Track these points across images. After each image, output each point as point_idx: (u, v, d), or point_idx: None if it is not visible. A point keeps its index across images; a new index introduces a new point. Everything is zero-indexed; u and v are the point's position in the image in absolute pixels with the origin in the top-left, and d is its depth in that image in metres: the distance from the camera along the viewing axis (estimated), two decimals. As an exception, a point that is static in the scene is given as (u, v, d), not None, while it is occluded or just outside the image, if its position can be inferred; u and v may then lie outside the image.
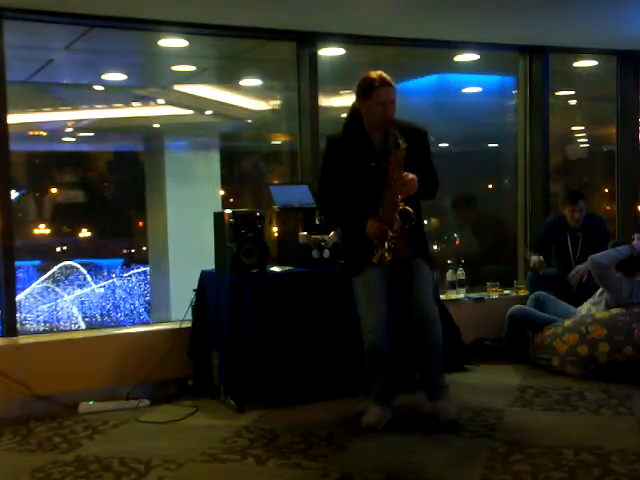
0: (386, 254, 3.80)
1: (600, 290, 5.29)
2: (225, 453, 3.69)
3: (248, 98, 8.19)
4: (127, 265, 12.32)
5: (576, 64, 6.91)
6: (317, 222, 4.71)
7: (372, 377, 4.01)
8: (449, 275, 5.79)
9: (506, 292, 6.07)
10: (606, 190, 8.40)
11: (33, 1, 4.54)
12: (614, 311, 5.03)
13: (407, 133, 3.81)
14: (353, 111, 4.00)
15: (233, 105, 8.32)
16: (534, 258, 5.73)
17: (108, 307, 11.46)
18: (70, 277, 11.76)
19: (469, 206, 7.62)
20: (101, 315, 11.32)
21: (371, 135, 3.92)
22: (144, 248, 10.87)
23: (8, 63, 4.63)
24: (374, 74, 3.87)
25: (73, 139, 10.22)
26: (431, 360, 4.02)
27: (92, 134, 10.24)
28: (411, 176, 3.78)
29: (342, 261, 4.47)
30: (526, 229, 6.43)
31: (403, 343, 4.40)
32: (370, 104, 3.85)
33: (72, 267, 11.88)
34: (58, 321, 10.96)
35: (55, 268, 11.72)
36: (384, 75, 3.86)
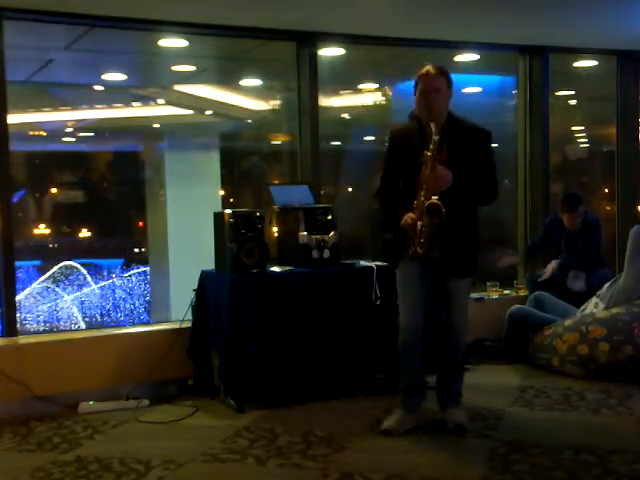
0: (417, 248, 3.74)
1: (608, 284, 5.28)
2: (225, 453, 3.69)
3: (248, 98, 8.18)
4: (127, 265, 12.31)
5: (576, 64, 6.91)
6: (317, 222, 4.71)
7: (400, 377, 3.99)
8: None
9: (506, 292, 6.08)
10: (606, 190, 8.39)
11: (33, 1, 4.54)
12: (614, 311, 5.03)
13: (465, 131, 3.78)
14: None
15: (233, 105, 8.31)
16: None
17: (108, 307, 11.45)
18: (70, 277, 11.74)
19: None
20: (101, 315, 11.30)
21: (426, 127, 3.82)
22: (144, 248, 10.86)
23: (8, 63, 4.64)
24: (423, 67, 3.81)
25: (73, 139, 10.21)
26: (451, 368, 4.03)
27: (92, 134, 10.24)
28: (443, 171, 3.70)
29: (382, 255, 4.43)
30: (526, 229, 6.42)
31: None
32: (417, 96, 3.82)
33: (72, 267, 11.86)
34: (58, 321, 10.95)
35: (55, 268, 11.71)
36: (430, 66, 3.79)
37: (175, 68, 6.79)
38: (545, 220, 6.05)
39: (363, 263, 4.82)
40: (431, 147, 3.69)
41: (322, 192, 5.69)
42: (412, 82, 3.92)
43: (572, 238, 5.68)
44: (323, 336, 4.54)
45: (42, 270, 11.78)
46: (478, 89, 7.78)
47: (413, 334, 3.89)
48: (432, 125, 3.69)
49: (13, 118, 5.01)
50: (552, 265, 5.68)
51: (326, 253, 4.69)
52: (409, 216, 3.76)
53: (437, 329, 4.07)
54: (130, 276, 11.86)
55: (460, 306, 4.01)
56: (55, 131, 9.47)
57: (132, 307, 11.43)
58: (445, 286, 3.94)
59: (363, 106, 8.12)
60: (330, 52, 5.76)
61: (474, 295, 5.91)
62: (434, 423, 4.01)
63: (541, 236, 5.98)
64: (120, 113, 8.78)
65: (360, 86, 7.62)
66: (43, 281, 11.61)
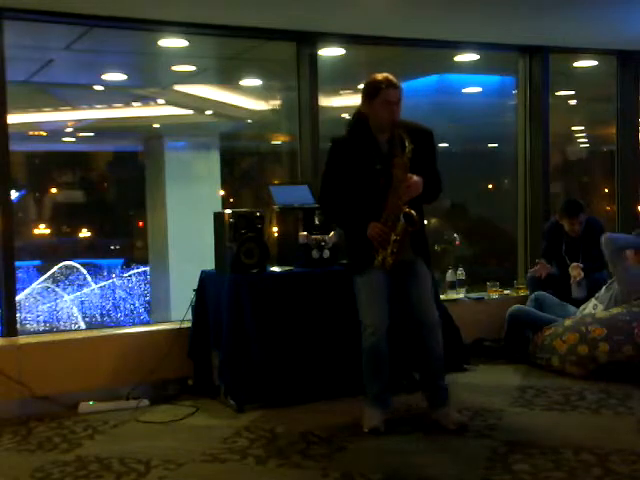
0: (388, 258, 3.79)
1: (605, 286, 5.28)
2: (225, 453, 3.69)
3: (248, 98, 8.19)
4: (127, 265, 12.32)
5: (576, 64, 6.90)
6: (317, 222, 4.72)
7: (369, 379, 3.99)
8: (449, 275, 5.78)
9: (506, 292, 6.07)
10: (606, 190, 8.40)
11: (33, 1, 4.54)
12: (614, 311, 5.03)
13: (413, 134, 3.80)
14: (358, 113, 3.98)
15: (233, 105, 8.32)
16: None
17: (108, 307, 11.46)
18: (70, 277, 11.76)
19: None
20: (101, 315, 11.32)
21: (377, 137, 3.89)
22: (144, 248, 10.88)
23: (8, 63, 4.63)
24: (380, 75, 3.86)
25: (73, 139, 10.23)
26: (431, 364, 4.01)
27: (92, 134, 10.25)
28: (416, 178, 3.75)
29: (345, 261, 4.47)
30: (526, 229, 6.42)
31: (401, 343, 4.40)
32: (376, 105, 3.83)
33: (72, 267, 11.88)
34: (58, 321, 10.96)
35: (55, 268, 11.72)
36: (390, 76, 3.85)
37: (175, 68, 6.80)
38: (545, 226, 6.01)
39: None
40: (404, 156, 3.74)
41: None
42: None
43: (573, 243, 5.65)
44: (323, 336, 4.53)
45: (42, 270, 11.79)
46: (478, 89, 7.80)
47: (383, 337, 3.90)
48: (401, 134, 3.76)
49: (13, 118, 5.02)
50: (579, 265, 5.55)
51: (326, 253, 4.69)
52: (377, 226, 3.79)
53: (412, 332, 4.05)
54: (130, 276, 11.88)
55: (432, 301, 4.04)
56: (55, 131, 9.48)
57: (132, 307, 11.44)
58: (415, 286, 3.94)
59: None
60: (330, 52, 5.76)
61: (474, 295, 5.92)
62: (434, 423, 4.00)
63: (545, 244, 5.91)
64: (120, 113, 8.79)
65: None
66: (43, 281, 11.62)
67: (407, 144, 3.74)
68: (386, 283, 3.92)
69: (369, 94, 3.88)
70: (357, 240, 3.93)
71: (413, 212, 3.74)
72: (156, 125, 9.37)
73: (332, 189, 3.98)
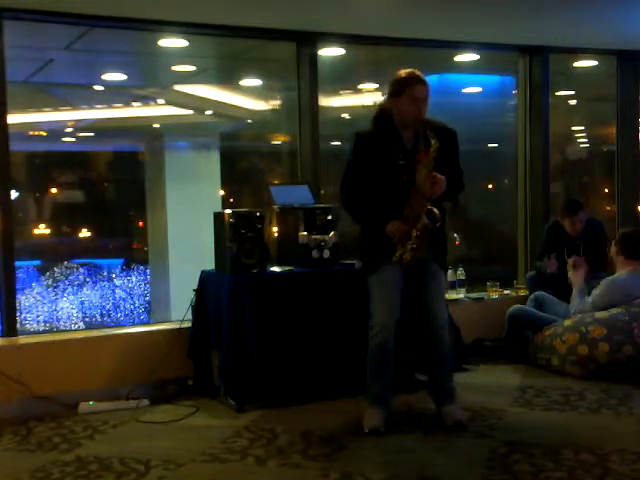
0: (407, 254, 3.77)
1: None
2: (225, 453, 3.69)
3: (248, 98, 8.19)
4: (127, 265, 12.30)
5: (576, 64, 6.91)
6: (317, 222, 4.72)
7: (373, 377, 3.99)
8: (449, 275, 5.78)
9: (506, 292, 6.08)
10: (606, 190, 8.40)
11: (33, 1, 4.54)
12: (614, 310, 5.03)
13: (437, 132, 3.79)
14: (383, 109, 3.96)
15: (233, 105, 8.32)
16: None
17: (108, 307, 11.44)
18: (70, 277, 11.74)
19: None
20: (101, 315, 11.30)
21: (401, 133, 3.88)
22: (144, 248, 10.87)
23: (8, 63, 4.64)
24: (406, 72, 3.85)
25: (73, 139, 10.21)
26: (441, 365, 4.03)
27: (92, 134, 10.24)
28: (440, 176, 3.75)
29: (349, 261, 4.56)
30: (526, 229, 6.42)
31: (405, 343, 4.40)
32: (402, 101, 3.81)
33: (72, 267, 11.86)
34: (58, 321, 10.94)
35: (55, 268, 11.71)
36: (417, 73, 3.84)
37: (175, 68, 6.79)
38: (545, 226, 6.02)
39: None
40: (430, 153, 3.72)
41: (322, 192, 5.69)
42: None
43: (574, 243, 5.64)
44: (323, 336, 4.54)
45: (42, 270, 11.77)
46: (478, 89, 7.79)
47: (391, 337, 3.90)
48: (427, 131, 3.75)
49: (13, 118, 5.01)
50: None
51: (326, 253, 4.69)
52: (396, 223, 3.78)
53: (420, 332, 4.06)
54: (130, 276, 11.86)
55: (443, 304, 4.05)
56: (55, 131, 9.47)
57: (132, 307, 11.43)
58: (429, 286, 3.95)
59: (363, 106, 8.12)
60: (330, 52, 5.76)
61: (474, 295, 5.92)
62: (434, 423, 4.01)
63: (545, 245, 5.91)
64: (120, 113, 8.79)
65: (360, 86, 7.63)
66: (43, 281, 11.61)
67: (433, 142, 3.73)
68: (400, 282, 3.92)
69: (395, 91, 3.85)
70: (373, 236, 3.90)
71: (436, 210, 3.73)
72: (156, 125, 9.36)
73: (354, 183, 3.95)
